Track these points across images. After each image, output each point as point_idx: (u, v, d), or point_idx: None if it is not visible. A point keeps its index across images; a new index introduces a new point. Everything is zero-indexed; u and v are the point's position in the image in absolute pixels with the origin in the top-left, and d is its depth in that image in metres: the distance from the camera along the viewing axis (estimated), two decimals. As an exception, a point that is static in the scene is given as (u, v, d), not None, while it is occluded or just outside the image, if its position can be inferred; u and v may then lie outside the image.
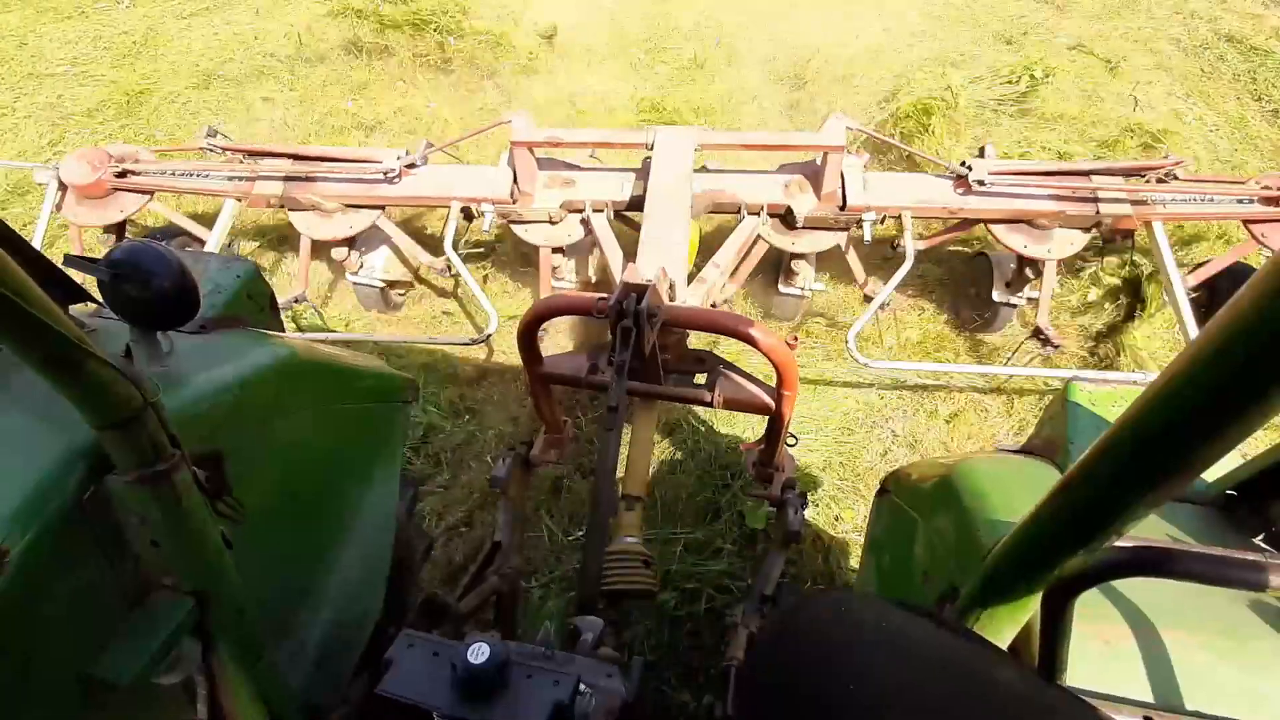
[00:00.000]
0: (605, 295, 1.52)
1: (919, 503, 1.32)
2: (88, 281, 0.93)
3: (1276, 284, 0.42)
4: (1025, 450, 1.33)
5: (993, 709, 0.64)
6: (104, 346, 0.71)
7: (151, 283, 0.89)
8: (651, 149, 2.53)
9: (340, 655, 1.33)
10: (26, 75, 4.23)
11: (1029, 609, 0.77)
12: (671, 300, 1.79)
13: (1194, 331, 2.33)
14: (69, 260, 0.89)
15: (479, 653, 0.90)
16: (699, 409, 2.52)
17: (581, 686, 0.95)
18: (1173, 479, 0.56)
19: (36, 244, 2.73)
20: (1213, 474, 1.07)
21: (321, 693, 1.26)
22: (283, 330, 1.37)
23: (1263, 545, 0.99)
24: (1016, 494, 1.04)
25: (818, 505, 2.47)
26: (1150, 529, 0.97)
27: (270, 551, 1.15)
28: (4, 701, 0.75)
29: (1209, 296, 2.66)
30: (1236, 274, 2.59)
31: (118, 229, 2.98)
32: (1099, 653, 0.81)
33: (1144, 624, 0.84)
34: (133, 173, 2.77)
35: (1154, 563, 0.63)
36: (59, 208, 2.77)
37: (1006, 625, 0.79)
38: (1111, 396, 1.21)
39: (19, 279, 0.60)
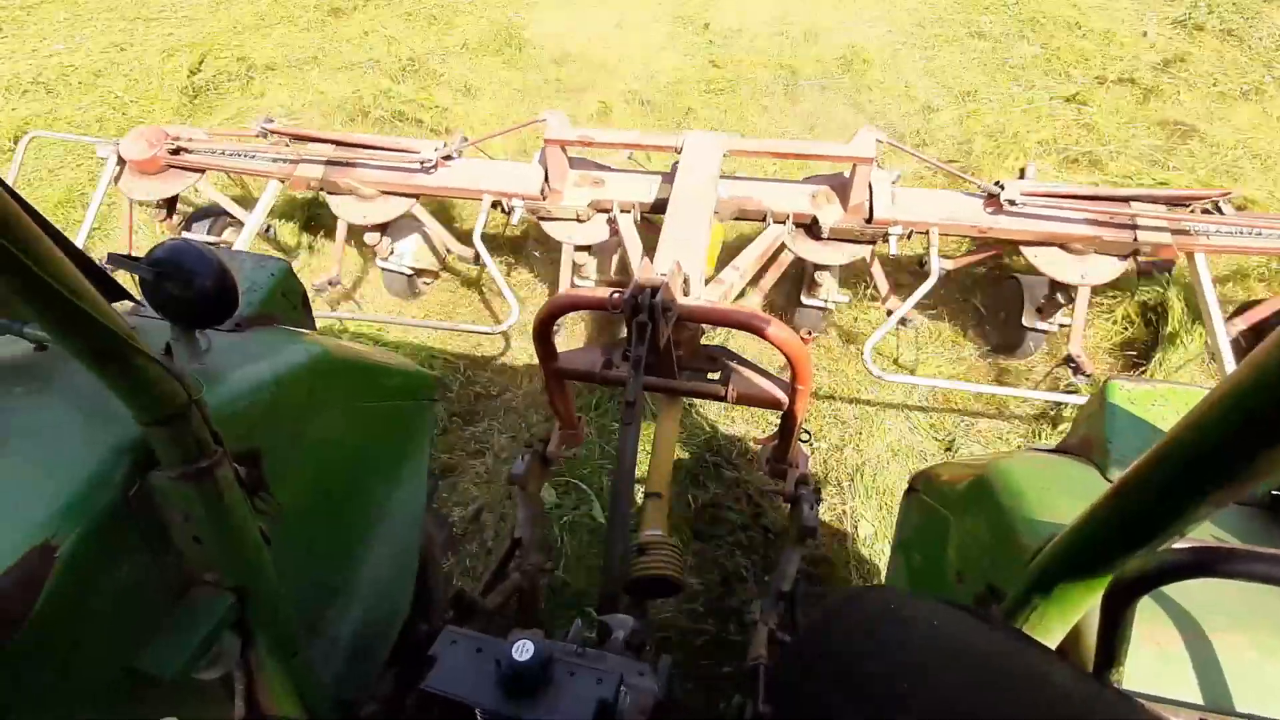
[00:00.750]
0: (621, 290, 1.54)
1: (951, 502, 1.30)
2: (124, 279, 0.95)
3: None
4: (1061, 450, 1.30)
5: (1050, 709, 0.63)
6: (147, 342, 0.72)
7: (194, 282, 0.91)
8: (680, 152, 2.55)
9: (370, 651, 1.34)
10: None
11: (1080, 611, 0.76)
12: (686, 296, 1.80)
13: (1231, 368, 2.24)
14: (112, 259, 0.92)
15: (524, 650, 0.90)
16: (716, 405, 2.51)
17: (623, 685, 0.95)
18: (1237, 485, 0.54)
19: (91, 214, 2.88)
20: None
21: (352, 688, 1.27)
22: (314, 328, 1.38)
23: None
24: (1056, 493, 1.02)
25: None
26: (1196, 531, 0.97)
27: (304, 549, 1.16)
28: (52, 694, 0.76)
29: (1254, 340, 2.56)
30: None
31: (169, 204, 3.13)
32: (1151, 655, 0.80)
33: (1194, 626, 0.83)
34: (186, 150, 2.91)
35: (1218, 563, 0.62)
36: (117, 180, 2.93)
37: (1056, 626, 0.78)
38: (1150, 395, 1.18)
39: (72, 275, 0.61)
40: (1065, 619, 0.77)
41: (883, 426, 2.72)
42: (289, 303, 1.31)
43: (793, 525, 1.90)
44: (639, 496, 1.89)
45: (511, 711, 0.89)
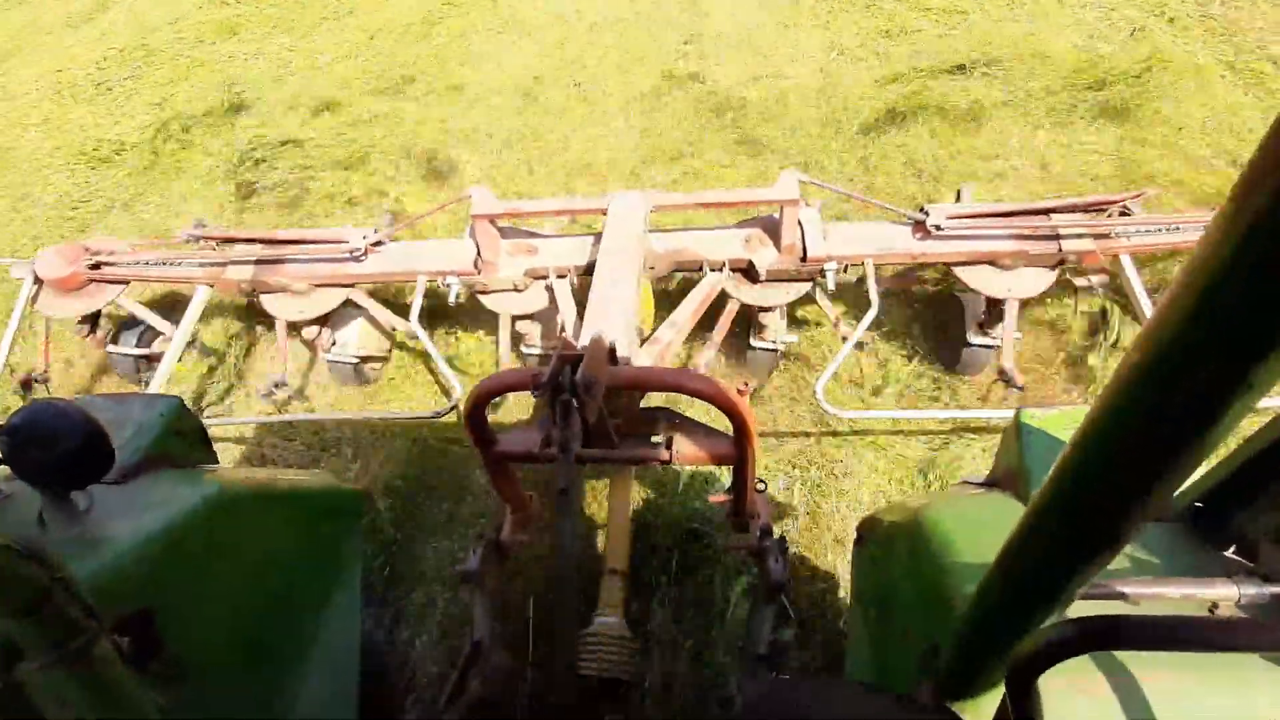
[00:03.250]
0: (540, 370, 1.49)
1: (892, 551, 1.30)
2: None
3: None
4: (989, 483, 1.31)
5: None
6: (19, 512, 0.68)
7: (57, 444, 0.86)
8: (606, 214, 2.56)
9: None
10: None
11: (1000, 681, 0.74)
12: (614, 363, 1.76)
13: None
14: None
15: None
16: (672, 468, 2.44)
17: None
18: (1103, 553, 0.54)
19: (8, 339, 2.77)
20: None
21: None
22: (216, 462, 1.33)
23: (1235, 558, 0.95)
24: (982, 533, 1.02)
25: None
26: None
27: (223, 697, 1.09)
28: None
29: None
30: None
31: (92, 320, 3.03)
32: (1081, 705, 0.79)
33: (1121, 670, 0.82)
34: (108, 264, 2.84)
35: (1105, 635, 0.62)
36: (34, 300, 2.83)
37: (985, 698, 0.77)
38: (1060, 419, 1.19)
39: None
40: (991, 692, 0.76)
41: (857, 461, 2.67)
42: (185, 441, 1.25)
43: (761, 582, 1.83)
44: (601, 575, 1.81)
45: None
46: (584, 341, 1.56)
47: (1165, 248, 2.62)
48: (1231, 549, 0.96)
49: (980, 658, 0.74)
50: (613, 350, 1.77)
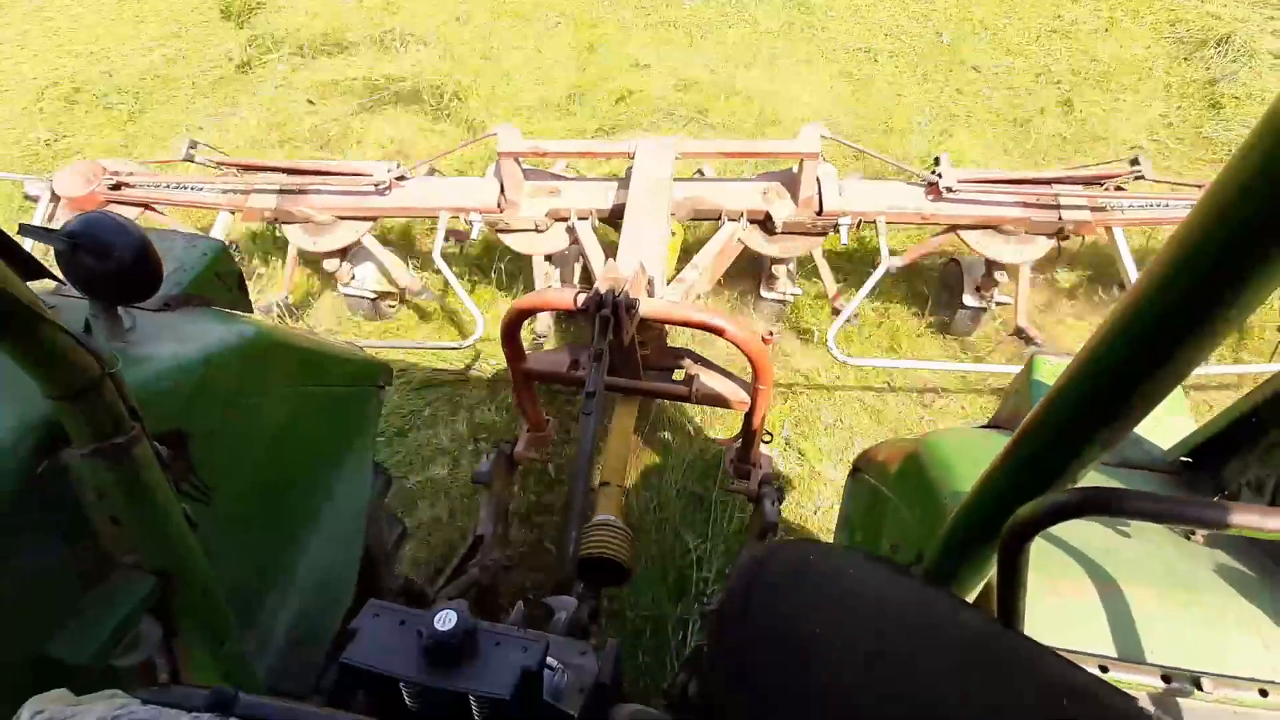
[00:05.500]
0: (583, 288, 1.59)
1: (887, 478, 1.35)
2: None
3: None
4: (992, 425, 1.37)
5: (956, 649, 0.67)
6: (67, 322, 0.68)
7: (111, 254, 0.86)
8: (633, 158, 2.63)
9: (310, 642, 1.30)
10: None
11: (989, 567, 0.79)
12: (650, 295, 1.86)
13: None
14: (24, 230, 0.87)
15: (445, 620, 0.87)
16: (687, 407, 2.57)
17: (554, 662, 0.94)
18: (1112, 426, 0.59)
19: (29, 255, 2.76)
20: (1168, 440, 1.11)
21: (291, 680, 1.23)
22: (251, 311, 1.33)
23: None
24: (982, 464, 1.05)
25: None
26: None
27: (237, 535, 1.12)
28: None
29: None
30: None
31: (110, 242, 3.03)
32: (1056, 607, 0.83)
33: (1103, 578, 0.86)
34: (127, 185, 2.83)
35: (1103, 503, 0.64)
36: (50, 219, 2.82)
37: (969, 582, 0.81)
38: None
39: None
40: (977, 575, 0.81)
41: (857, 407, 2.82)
42: (223, 284, 1.26)
43: (754, 523, 1.96)
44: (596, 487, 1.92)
45: (432, 682, 0.87)
46: (626, 268, 1.65)
47: (1155, 222, 2.78)
48: (1216, 499, 1.01)
49: (971, 543, 0.78)
50: (651, 281, 1.87)
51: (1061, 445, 0.64)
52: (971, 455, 1.10)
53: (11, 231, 0.79)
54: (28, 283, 0.86)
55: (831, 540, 1.79)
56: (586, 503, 1.60)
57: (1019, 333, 2.70)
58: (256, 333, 1.15)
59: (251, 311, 1.33)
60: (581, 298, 1.59)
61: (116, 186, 2.81)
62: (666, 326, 1.97)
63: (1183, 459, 1.09)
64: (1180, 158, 3.71)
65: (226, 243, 1.46)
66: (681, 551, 2.33)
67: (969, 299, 2.84)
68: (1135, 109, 3.95)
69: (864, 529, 1.49)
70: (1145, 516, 0.65)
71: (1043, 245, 2.67)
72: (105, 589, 0.85)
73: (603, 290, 1.57)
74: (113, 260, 0.87)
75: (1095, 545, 0.90)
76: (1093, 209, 2.64)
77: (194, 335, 1.04)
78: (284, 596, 1.26)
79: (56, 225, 2.81)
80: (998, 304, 2.83)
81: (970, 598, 0.83)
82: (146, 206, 2.88)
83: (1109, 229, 2.67)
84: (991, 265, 2.74)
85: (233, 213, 2.83)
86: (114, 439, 0.76)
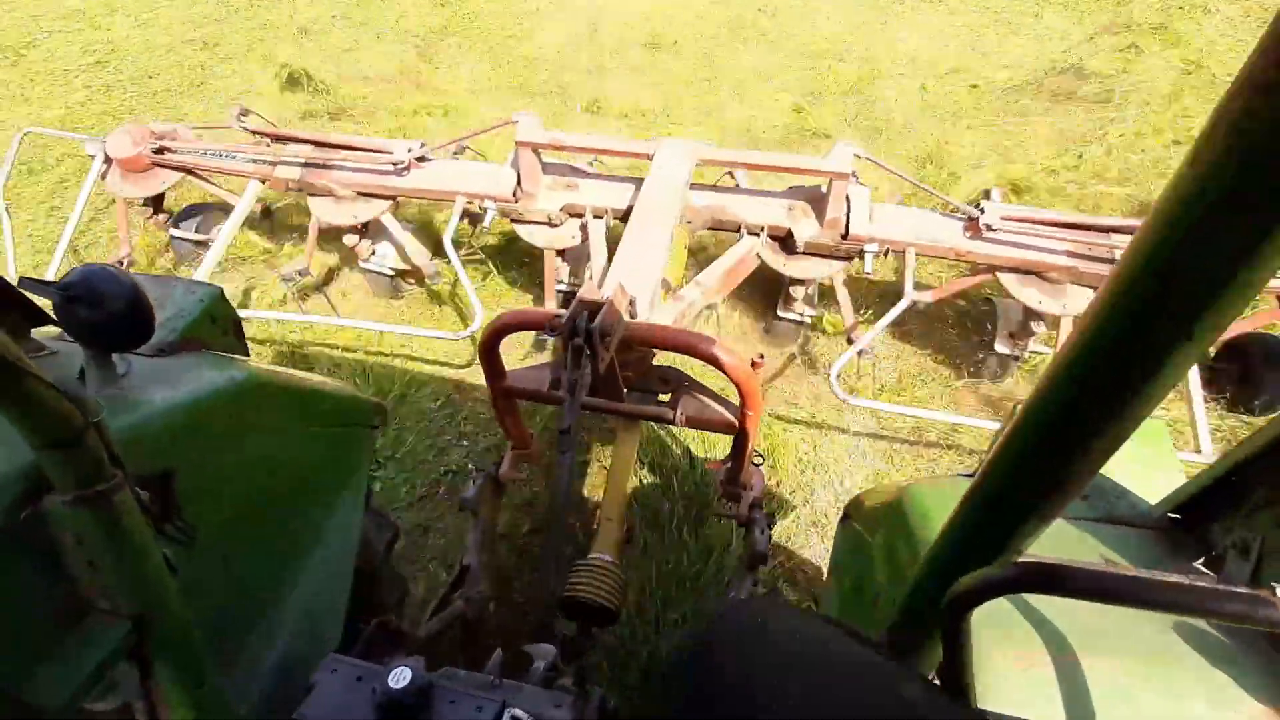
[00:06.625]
0: (561, 312, 1.51)
1: (873, 526, 1.32)
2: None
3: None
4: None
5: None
6: (63, 368, 0.71)
7: (104, 305, 0.90)
8: (652, 159, 2.51)
9: (296, 681, 1.28)
10: None
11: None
12: (632, 317, 1.77)
13: (1198, 400, 2.15)
14: (24, 282, 0.91)
15: (399, 677, 0.89)
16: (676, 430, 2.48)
17: (518, 712, 0.93)
18: (1050, 499, 0.57)
19: (78, 212, 2.93)
20: (1154, 496, 1.07)
21: None
22: (247, 354, 1.37)
23: (1202, 569, 0.96)
24: None
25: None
26: (1087, 551, 0.99)
27: (221, 574, 1.14)
28: None
29: (1242, 368, 2.45)
30: (1268, 344, 2.38)
31: (155, 201, 3.18)
32: (1018, 676, 0.81)
33: (1065, 648, 0.83)
34: (170, 150, 2.95)
35: (1042, 580, 0.62)
36: (103, 177, 2.97)
37: (928, 648, 0.79)
38: None
39: None
40: (934, 643, 0.77)
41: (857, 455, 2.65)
42: (219, 329, 1.29)
43: (745, 551, 1.87)
44: (595, 521, 1.87)
45: None
46: (608, 289, 1.55)
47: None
48: (1201, 561, 0.96)
49: (927, 606, 0.76)
50: (633, 303, 1.78)
51: (1003, 513, 0.63)
52: (949, 507, 1.07)
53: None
54: (31, 329, 0.91)
55: (823, 587, 1.71)
56: (564, 544, 1.55)
57: None
58: (248, 375, 1.17)
59: (248, 355, 1.37)
60: (557, 321, 1.50)
61: (160, 151, 2.93)
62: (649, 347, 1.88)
63: (1170, 514, 1.04)
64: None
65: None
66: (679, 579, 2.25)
67: (1001, 345, 2.60)
68: None
69: (850, 577, 1.45)
70: (1087, 596, 0.62)
71: (1086, 300, 2.40)
72: (81, 632, 0.86)
73: (576, 315, 1.47)
74: (105, 310, 0.90)
75: (1057, 608, 0.87)
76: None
77: (186, 379, 1.07)
78: (270, 635, 1.27)
79: (110, 183, 2.98)
80: (1032, 353, 2.58)
81: (931, 663, 0.80)
82: (188, 171, 3.00)
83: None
84: (1029, 313, 2.49)
85: (262, 181, 2.91)
86: (96, 487, 0.78)
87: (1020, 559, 0.65)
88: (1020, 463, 0.58)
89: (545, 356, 2.94)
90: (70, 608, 0.86)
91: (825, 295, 2.93)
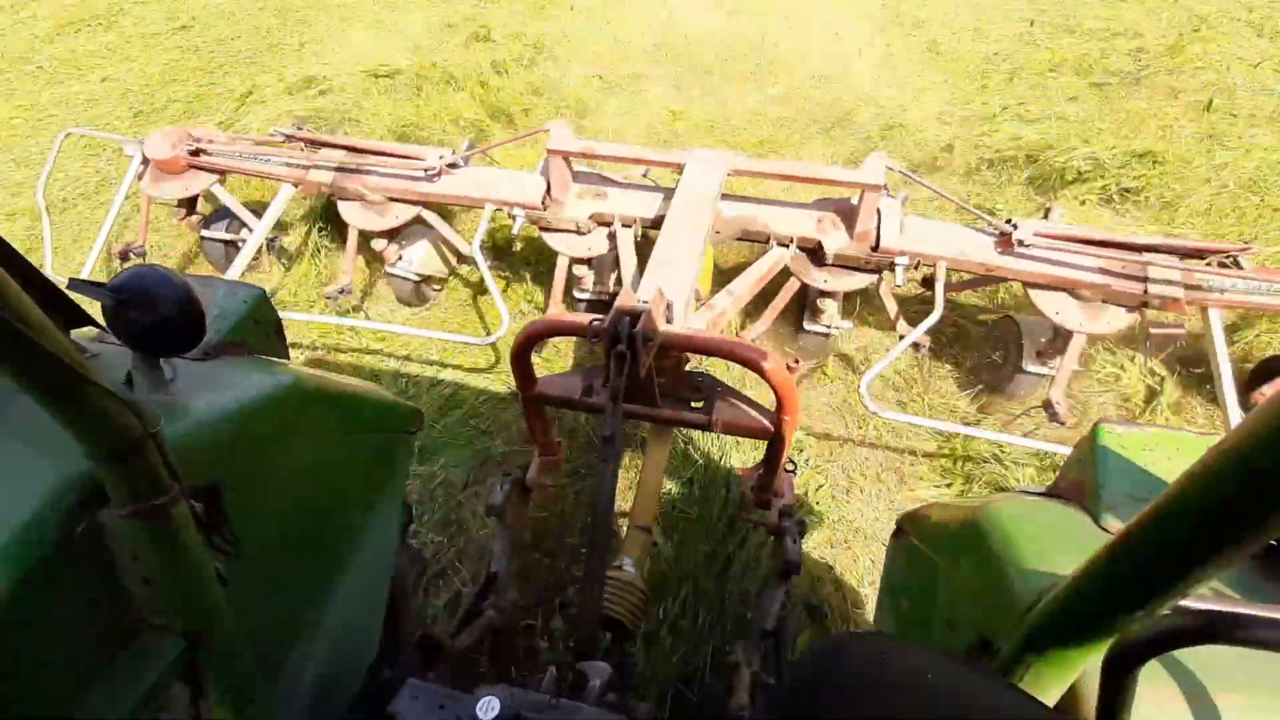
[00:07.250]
0: (601, 317, 1.51)
1: (939, 546, 1.27)
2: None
3: None
4: (1051, 493, 1.25)
5: None
6: (106, 372, 0.68)
7: (157, 308, 0.86)
8: (683, 170, 2.53)
9: (334, 696, 1.28)
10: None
11: (1077, 669, 0.73)
12: (669, 323, 1.77)
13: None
14: (73, 284, 0.88)
15: (488, 708, 0.87)
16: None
17: None
18: (1244, 544, 0.52)
19: (114, 212, 2.97)
20: None
21: None
22: (288, 357, 1.34)
23: None
24: (1049, 540, 0.99)
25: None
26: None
27: (266, 586, 1.11)
28: None
29: None
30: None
31: (189, 203, 3.22)
32: (1152, 714, 0.76)
33: (1198, 686, 0.78)
34: (206, 152, 2.99)
35: (1230, 629, 0.58)
36: (140, 178, 3.02)
37: (1052, 686, 0.74)
38: (1141, 440, 1.13)
39: (19, 300, 0.58)
40: (1061, 679, 0.74)
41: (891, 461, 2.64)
42: (262, 331, 1.27)
43: (775, 559, 1.85)
44: (624, 529, 1.85)
45: None
46: (643, 295, 1.55)
47: (1259, 309, 2.43)
48: None
49: (1061, 644, 0.72)
50: (670, 308, 1.78)
51: (1179, 557, 0.57)
52: (1036, 529, 1.04)
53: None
54: (71, 330, 0.88)
55: (875, 604, 1.66)
56: (607, 555, 1.52)
57: (1046, 405, 2.42)
58: (293, 381, 1.14)
59: (289, 358, 1.34)
60: (598, 326, 1.50)
61: (196, 153, 2.98)
62: (687, 353, 1.88)
63: (1273, 543, 0.98)
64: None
65: (268, 291, 1.48)
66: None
67: (1030, 365, 2.58)
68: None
69: (911, 598, 1.40)
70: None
71: (1117, 317, 2.39)
72: (134, 651, 0.84)
73: (618, 321, 1.46)
74: (157, 314, 0.87)
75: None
76: (1187, 286, 2.33)
77: (232, 384, 1.04)
78: (310, 648, 1.24)
79: (144, 185, 3.02)
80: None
81: (1051, 701, 0.76)
82: (221, 173, 3.04)
83: (1204, 310, 2.35)
84: (1059, 329, 2.48)
85: (295, 185, 2.94)
86: (152, 500, 0.75)
87: (1185, 604, 0.59)
88: (1212, 506, 0.53)
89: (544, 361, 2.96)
90: (123, 625, 0.84)
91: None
